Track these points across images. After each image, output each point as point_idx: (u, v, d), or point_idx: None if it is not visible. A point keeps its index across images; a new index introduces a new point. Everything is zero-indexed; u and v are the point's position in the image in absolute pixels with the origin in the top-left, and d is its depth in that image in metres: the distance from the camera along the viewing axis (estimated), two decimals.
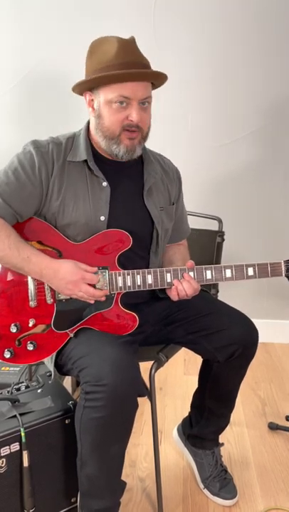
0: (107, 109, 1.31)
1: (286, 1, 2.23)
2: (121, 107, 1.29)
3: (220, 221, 1.98)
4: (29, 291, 1.33)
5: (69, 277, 1.27)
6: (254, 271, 1.35)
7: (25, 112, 2.44)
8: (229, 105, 2.38)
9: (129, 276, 1.33)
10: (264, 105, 2.37)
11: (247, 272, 1.35)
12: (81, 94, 1.38)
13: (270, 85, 2.34)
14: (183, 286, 1.34)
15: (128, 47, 1.29)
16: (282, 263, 1.35)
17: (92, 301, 1.32)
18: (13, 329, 1.32)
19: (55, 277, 1.28)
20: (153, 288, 1.36)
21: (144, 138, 1.38)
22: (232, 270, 1.35)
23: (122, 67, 1.27)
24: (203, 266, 1.36)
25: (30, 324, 1.33)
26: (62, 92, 2.34)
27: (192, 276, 1.35)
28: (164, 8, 2.26)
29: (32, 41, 2.34)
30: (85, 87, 1.35)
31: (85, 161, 1.37)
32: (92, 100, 1.35)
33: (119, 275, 1.33)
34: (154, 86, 1.39)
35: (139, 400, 1.24)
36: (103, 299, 1.32)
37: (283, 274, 1.36)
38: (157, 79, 1.34)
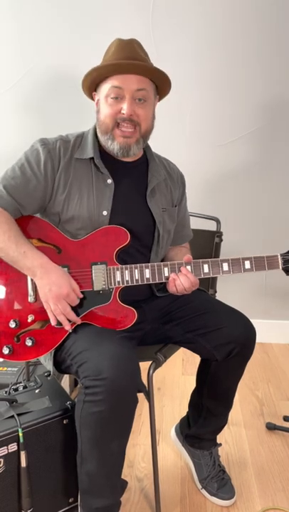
0: (103, 104, 1.37)
1: (285, 2, 2.24)
2: (115, 101, 1.34)
3: (218, 221, 1.99)
4: (28, 286, 1.33)
5: (55, 287, 1.28)
6: (251, 264, 1.35)
7: (23, 111, 2.44)
8: (227, 106, 2.39)
9: (127, 271, 1.34)
10: (262, 106, 2.37)
11: (244, 265, 1.35)
12: (91, 96, 1.45)
13: (269, 86, 2.35)
14: (180, 280, 1.35)
15: (125, 45, 1.35)
16: (279, 256, 1.36)
17: (54, 322, 1.30)
18: (12, 325, 1.33)
19: (44, 278, 1.29)
20: (151, 282, 1.37)
21: (143, 136, 1.41)
22: (229, 264, 1.36)
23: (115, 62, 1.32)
24: (200, 260, 1.37)
25: (29, 320, 1.33)
26: (61, 91, 2.36)
27: (189, 270, 1.36)
28: (162, 8, 2.26)
29: (31, 41, 2.34)
30: (88, 86, 1.41)
31: (92, 158, 1.40)
32: (98, 100, 1.40)
33: (117, 270, 1.34)
34: (162, 94, 1.44)
35: (138, 399, 1.24)
36: (68, 327, 1.30)
37: (280, 267, 1.36)
38: (148, 73, 1.35)
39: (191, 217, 1.71)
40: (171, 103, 2.24)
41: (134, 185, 1.46)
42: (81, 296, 1.32)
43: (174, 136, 2.42)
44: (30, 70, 2.37)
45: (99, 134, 1.42)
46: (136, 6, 2.26)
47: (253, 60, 2.31)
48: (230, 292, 2.17)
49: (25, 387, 1.45)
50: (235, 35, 2.29)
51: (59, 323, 1.32)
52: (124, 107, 1.33)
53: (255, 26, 2.27)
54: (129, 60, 1.32)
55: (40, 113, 2.42)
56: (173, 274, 1.36)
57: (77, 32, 2.30)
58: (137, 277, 1.35)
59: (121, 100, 1.34)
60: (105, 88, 1.36)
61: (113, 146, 1.38)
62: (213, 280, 1.89)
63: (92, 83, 1.40)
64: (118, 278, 1.34)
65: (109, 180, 1.40)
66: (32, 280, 1.33)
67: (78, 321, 1.32)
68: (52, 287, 1.28)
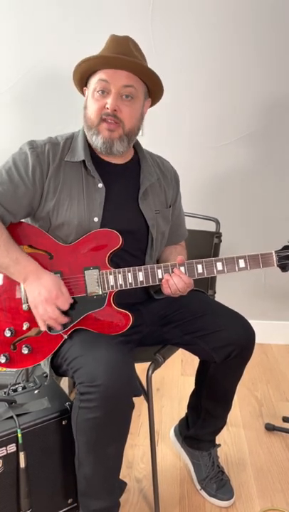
0: (90, 98, 1.36)
1: (284, 2, 2.24)
2: (101, 95, 1.33)
3: (217, 222, 1.99)
4: (21, 294, 1.33)
5: (44, 291, 1.27)
6: (245, 262, 1.33)
7: (23, 111, 2.44)
8: (226, 107, 2.39)
9: (120, 275, 1.33)
10: (261, 107, 2.37)
11: (238, 263, 1.33)
12: (82, 91, 1.43)
13: (268, 87, 2.35)
14: (173, 280, 1.33)
15: (118, 41, 1.35)
16: (274, 253, 1.34)
17: (44, 327, 1.29)
18: (8, 333, 1.32)
19: (35, 283, 1.28)
20: (145, 285, 1.35)
21: (128, 135, 1.37)
22: (223, 263, 1.34)
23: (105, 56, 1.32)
24: (194, 260, 1.35)
25: (25, 328, 1.33)
26: (61, 91, 2.36)
27: (183, 271, 1.34)
28: (162, 9, 2.26)
29: (31, 41, 2.34)
30: (79, 79, 1.40)
31: (83, 161, 1.37)
32: (87, 96, 1.39)
33: (110, 274, 1.33)
34: (154, 98, 1.43)
35: (136, 400, 1.24)
36: (58, 327, 1.30)
37: (275, 265, 1.34)
38: (138, 70, 1.33)
39: (190, 217, 1.71)
40: (170, 103, 2.26)
41: (125, 189, 1.43)
42: (71, 301, 1.31)
43: (173, 136, 2.42)
44: (29, 70, 2.37)
45: (85, 130, 1.39)
46: (136, 6, 2.26)
47: (252, 61, 2.32)
48: (229, 293, 2.17)
49: (24, 387, 1.45)
50: (233, 36, 2.29)
51: (50, 328, 1.31)
52: (109, 102, 1.31)
53: (254, 28, 2.27)
54: (119, 55, 1.30)
55: (40, 113, 2.42)
56: (166, 274, 1.34)
57: (77, 32, 2.30)
58: (130, 281, 1.33)
59: (107, 95, 1.32)
60: (93, 81, 1.35)
61: (97, 142, 1.35)
62: (212, 281, 1.89)
63: (82, 76, 1.38)
64: (111, 282, 1.33)
65: (100, 185, 1.37)
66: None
67: (67, 319, 1.30)
68: (41, 290, 1.27)
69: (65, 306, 1.29)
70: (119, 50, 1.32)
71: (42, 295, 1.27)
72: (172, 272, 1.34)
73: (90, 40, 2.28)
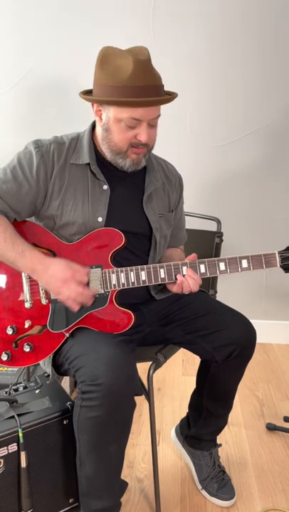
0: (116, 126, 1.30)
1: (285, 2, 2.24)
2: (130, 126, 1.29)
3: (218, 222, 1.99)
4: (24, 292, 1.33)
5: (59, 274, 1.27)
6: (248, 262, 1.33)
7: (23, 112, 2.44)
8: (227, 106, 2.38)
9: (122, 274, 1.33)
10: (262, 107, 2.37)
11: (241, 264, 1.33)
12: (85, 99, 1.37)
13: (269, 86, 2.34)
14: (188, 282, 1.33)
15: (143, 69, 1.25)
16: (277, 254, 1.34)
17: (77, 308, 1.29)
18: (10, 331, 1.32)
19: (46, 273, 1.28)
20: (147, 284, 1.35)
21: (150, 150, 1.39)
22: (226, 263, 1.34)
23: (137, 91, 1.24)
24: (196, 260, 1.35)
25: (26, 326, 1.33)
26: (61, 93, 2.36)
27: (185, 271, 1.34)
28: (162, 8, 2.26)
29: (31, 42, 2.33)
30: (94, 101, 1.33)
31: (88, 164, 1.37)
32: (100, 111, 1.33)
33: (113, 273, 1.33)
34: None
35: (137, 400, 1.24)
36: (91, 301, 1.30)
37: (278, 265, 1.34)
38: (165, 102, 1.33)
39: (191, 217, 1.71)
40: (171, 103, 2.24)
41: (130, 191, 1.43)
42: (87, 270, 1.30)
43: (175, 136, 2.41)
44: (30, 70, 2.37)
45: (104, 149, 1.36)
46: (136, 5, 2.26)
47: (253, 61, 2.31)
48: (230, 293, 2.17)
49: (25, 387, 1.45)
50: (235, 35, 2.28)
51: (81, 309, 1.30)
52: (142, 136, 1.29)
53: (255, 27, 2.27)
54: (152, 90, 1.26)
55: (40, 114, 2.42)
56: (179, 275, 1.34)
57: (77, 32, 2.29)
58: (132, 280, 1.34)
59: (136, 125, 1.29)
60: (119, 113, 1.28)
61: (124, 163, 1.35)
62: (214, 281, 1.89)
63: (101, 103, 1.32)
64: (114, 281, 1.33)
65: (105, 186, 1.38)
66: (28, 285, 1.33)
67: (96, 291, 1.30)
68: (56, 279, 1.26)
69: (85, 278, 1.29)
70: (147, 81, 1.25)
71: (59, 280, 1.26)
72: (176, 272, 1.34)
73: (90, 40, 2.29)
